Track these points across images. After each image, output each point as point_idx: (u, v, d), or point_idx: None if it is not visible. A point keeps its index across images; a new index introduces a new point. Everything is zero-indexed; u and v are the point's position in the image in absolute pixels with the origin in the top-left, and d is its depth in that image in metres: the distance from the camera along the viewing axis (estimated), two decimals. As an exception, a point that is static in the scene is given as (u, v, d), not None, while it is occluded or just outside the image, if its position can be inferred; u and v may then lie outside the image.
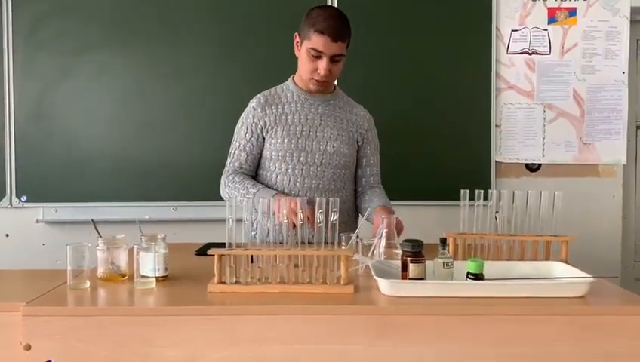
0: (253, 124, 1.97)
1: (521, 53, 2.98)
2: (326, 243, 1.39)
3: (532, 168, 3.02)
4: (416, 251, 1.38)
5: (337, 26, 1.83)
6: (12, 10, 2.85)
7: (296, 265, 1.40)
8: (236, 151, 2.00)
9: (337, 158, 1.98)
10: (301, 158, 1.95)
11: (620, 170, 3.04)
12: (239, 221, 1.38)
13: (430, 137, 2.94)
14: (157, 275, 1.44)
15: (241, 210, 1.40)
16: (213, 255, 1.36)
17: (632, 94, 3.04)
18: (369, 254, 1.54)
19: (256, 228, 1.85)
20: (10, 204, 2.89)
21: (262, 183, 1.97)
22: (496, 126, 2.98)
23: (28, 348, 1.24)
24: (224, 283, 1.37)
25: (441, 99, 2.96)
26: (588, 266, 1.46)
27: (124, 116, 2.91)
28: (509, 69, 2.98)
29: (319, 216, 1.41)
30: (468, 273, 1.37)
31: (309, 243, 1.44)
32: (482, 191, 1.63)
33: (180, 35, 2.90)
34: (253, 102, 1.99)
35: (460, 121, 2.96)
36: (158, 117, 2.91)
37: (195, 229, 2.80)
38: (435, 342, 1.25)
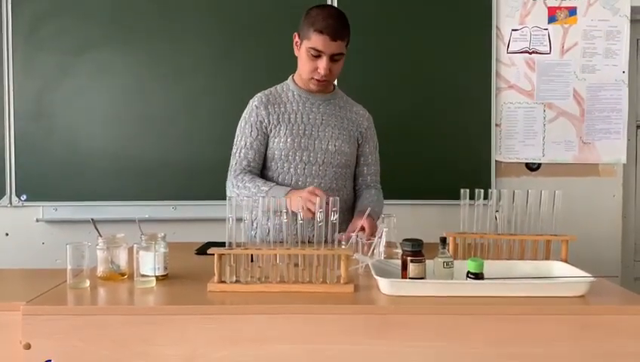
0: (258, 122, 1.96)
1: (521, 52, 2.98)
2: (326, 242, 1.39)
3: (532, 167, 3.02)
4: (417, 250, 1.38)
5: (336, 25, 1.83)
6: (12, 9, 2.85)
7: (296, 264, 1.40)
8: (242, 150, 1.97)
9: (339, 157, 1.98)
10: (303, 158, 1.95)
11: (620, 170, 3.04)
12: (239, 220, 1.38)
13: (430, 136, 2.94)
14: (157, 274, 1.44)
15: (241, 209, 1.40)
16: (213, 254, 1.36)
17: (632, 94, 3.04)
18: (369, 253, 1.54)
19: (257, 227, 1.86)
20: (10, 203, 2.89)
21: None
22: (497, 125, 2.98)
23: (28, 347, 1.24)
24: (224, 282, 1.37)
25: (441, 99, 2.95)
26: (588, 266, 1.46)
27: (124, 115, 2.91)
28: (509, 68, 2.98)
29: (319, 215, 1.41)
30: (468, 272, 1.37)
31: (309, 242, 1.44)
32: (482, 191, 1.63)
33: (180, 34, 2.90)
34: (254, 101, 1.99)
35: (460, 121, 2.95)
36: (158, 116, 2.91)
37: (194, 228, 2.80)
38: (435, 341, 1.25)
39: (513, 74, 2.98)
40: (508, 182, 2.98)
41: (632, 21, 2.97)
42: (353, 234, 1.66)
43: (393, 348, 1.25)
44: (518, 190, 1.66)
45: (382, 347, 1.24)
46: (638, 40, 3.13)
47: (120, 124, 2.91)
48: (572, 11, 2.97)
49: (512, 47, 2.98)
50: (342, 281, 1.37)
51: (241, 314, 1.26)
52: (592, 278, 1.34)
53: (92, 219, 1.60)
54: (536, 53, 2.98)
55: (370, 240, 1.59)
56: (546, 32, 2.97)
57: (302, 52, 1.90)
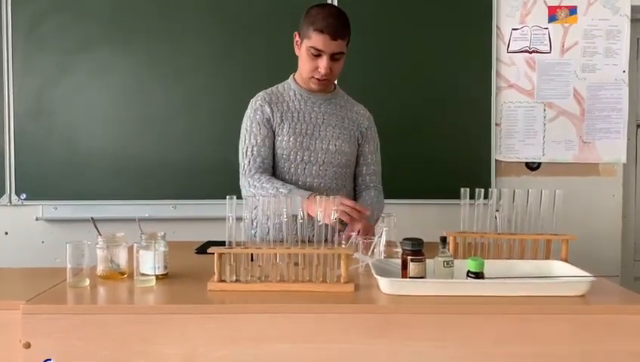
0: (265, 120, 1.94)
1: (522, 51, 2.98)
2: (326, 241, 1.39)
3: (532, 167, 3.02)
4: (417, 250, 1.38)
5: (336, 24, 1.82)
6: (12, 7, 2.85)
7: (296, 264, 1.39)
8: (254, 148, 1.93)
9: (339, 157, 1.97)
10: (304, 157, 1.94)
11: (620, 169, 3.04)
12: (239, 219, 1.38)
13: (430, 136, 2.94)
14: (157, 273, 1.44)
15: (240, 208, 1.40)
16: (213, 253, 1.36)
17: (633, 93, 3.04)
18: (369, 253, 1.54)
19: (256, 226, 1.85)
20: (10, 201, 2.89)
21: None
22: (497, 125, 2.98)
23: (28, 346, 1.24)
24: (224, 281, 1.37)
25: (441, 98, 2.95)
26: (588, 265, 1.46)
27: (124, 114, 2.90)
28: (510, 67, 2.98)
29: (319, 215, 1.41)
30: (468, 272, 1.37)
31: (309, 241, 1.44)
32: (482, 190, 1.63)
33: (180, 33, 2.90)
34: (258, 101, 1.97)
35: (460, 120, 2.95)
36: (158, 115, 2.90)
37: (194, 227, 2.80)
38: (435, 341, 1.25)
39: (513, 73, 2.98)
40: (508, 182, 2.98)
41: (633, 20, 2.97)
42: (353, 234, 1.66)
43: (393, 347, 1.24)
44: (518, 189, 1.66)
45: (382, 346, 1.24)
46: (638, 39, 3.13)
47: (120, 122, 2.90)
48: (572, 10, 2.97)
49: (513, 47, 2.98)
50: (342, 280, 1.37)
51: (241, 313, 1.26)
52: (592, 278, 1.34)
53: (92, 218, 1.60)
54: (537, 52, 2.98)
55: (369, 239, 1.59)
56: (546, 31, 2.97)
57: (302, 51, 1.90)
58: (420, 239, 1.39)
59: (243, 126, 1.99)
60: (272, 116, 1.94)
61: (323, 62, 1.86)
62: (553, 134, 2.99)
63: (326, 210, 1.41)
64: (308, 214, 1.64)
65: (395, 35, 2.93)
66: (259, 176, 1.90)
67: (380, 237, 1.59)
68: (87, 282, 1.41)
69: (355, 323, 1.25)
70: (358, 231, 1.71)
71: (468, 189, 1.62)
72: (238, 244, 1.37)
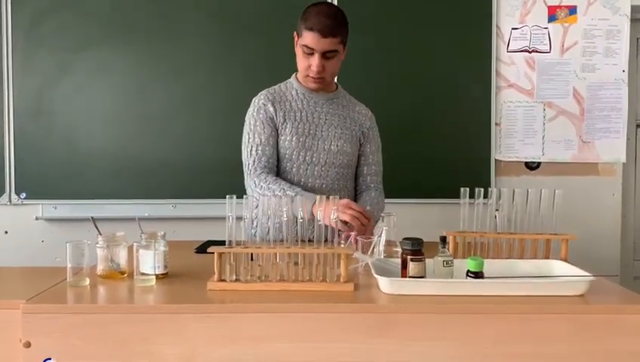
0: (268, 119, 1.93)
1: (521, 51, 2.98)
2: (326, 241, 1.39)
3: (532, 166, 3.02)
4: (416, 249, 1.38)
5: (328, 22, 1.81)
6: (11, 6, 2.85)
7: (296, 263, 1.39)
8: (259, 147, 1.92)
9: (341, 157, 1.97)
10: (306, 158, 1.94)
11: (619, 169, 3.04)
12: (239, 218, 1.38)
13: (430, 135, 2.94)
14: (157, 273, 1.44)
15: (240, 207, 1.40)
16: (213, 252, 1.36)
17: (632, 93, 3.04)
18: (369, 252, 1.54)
19: (256, 225, 1.85)
20: (10, 201, 2.89)
21: None
22: (496, 124, 2.98)
23: (28, 345, 1.24)
24: (224, 280, 1.37)
25: (440, 98, 2.95)
26: (587, 265, 1.46)
27: (124, 113, 2.90)
28: (509, 67, 2.98)
29: (319, 214, 1.41)
30: (468, 271, 1.37)
31: (309, 241, 1.44)
32: (482, 190, 1.63)
33: (180, 32, 2.90)
34: (261, 99, 1.97)
35: (460, 120, 2.96)
36: (158, 114, 2.90)
37: (194, 227, 2.80)
38: (434, 340, 1.25)
39: (513, 73, 2.98)
40: (507, 181, 2.98)
41: (632, 20, 2.97)
42: (352, 233, 1.66)
43: (393, 346, 1.25)
44: (518, 189, 1.66)
45: (381, 345, 1.24)
46: (638, 39, 3.13)
47: (120, 122, 2.90)
48: (572, 10, 2.97)
49: (512, 46, 2.98)
50: (342, 280, 1.37)
51: (241, 312, 1.26)
52: (591, 277, 1.34)
53: (92, 218, 1.60)
54: (536, 52, 2.98)
55: (369, 239, 1.59)
56: (546, 30, 2.97)
57: (298, 50, 1.90)
58: (420, 239, 1.39)
59: (246, 125, 1.98)
60: (276, 115, 1.94)
61: (315, 61, 1.86)
62: (553, 134, 2.99)
63: (326, 211, 1.41)
64: (312, 216, 1.64)
65: (394, 35, 2.93)
66: (265, 176, 1.89)
67: (380, 236, 1.59)
68: (87, 281, 1.41)
69: (355, 322, 1.25)
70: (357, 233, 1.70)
71: (468, 189, 1.62)
72: (238, 244, 1.37)
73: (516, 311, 1.26)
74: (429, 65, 2.95)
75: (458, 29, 2.95)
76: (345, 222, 1.66)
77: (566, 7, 2.97)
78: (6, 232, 2.95)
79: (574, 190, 2.93)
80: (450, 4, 2.94)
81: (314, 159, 1.94)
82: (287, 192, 1.80)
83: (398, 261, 1.42)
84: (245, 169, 1.95)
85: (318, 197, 1.48)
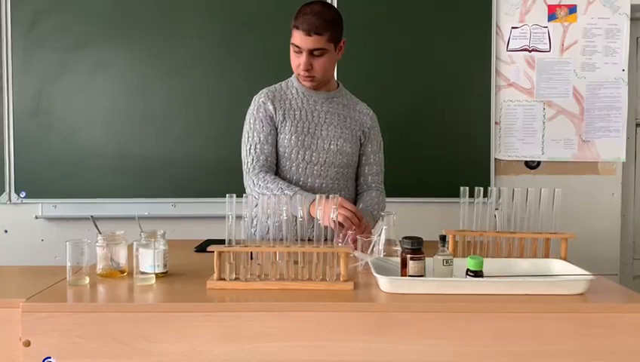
0: (267, 117, 1.93)
1: (521, 50, 2.98)
2: (326, 240, 1.39)
3: (531, 166, 3.02)
4: (416, 248, 1.38)
5: (313, 20, 1.81)
6: (11, 5, 2.85)
7: (295, 262, 1.39)
8: (258, 146, 1.92)
9: (340, 157, 1.96)
10: (306, 157, 1.93)
11: (619, 168, 3.04)
12: (239, 217, 1.38)
13: (430, 134, 2.94)
14: (156, 272, 1.44)
15: (240, 206, 1.40)
16: (213, 251, 1.36)
17: (632, 92, 3.04)
18: (368, 251, 1.54)
19: (256, 224, 1.85)
20: (9, 199, 2.89)
21: None
22: (496, 123, 2.98)
23: (27, 344, 1.24)
24: (224, 279, 1.37)
25: (440, 97, 2.95)
26: (587, 264, 1.46)
27: (124, 112, 2.91)
28: (509, 66, 2.98)
29: (318, 213, 1.41)
30: (467, 270, 1.37)
31: (308, 240, 1.44)
32: (482, 189, 1.63)
33: (180, 31, 2.90)
34: (260, 98, 1.97)
35: (460, 119, 2.96)
36: (158, 113, 2.90)
37: (194, 226, 2.80)
38: (434, 339, 1.25)
39: (513, 72, 2.98)
40: (507, 181, 2.98)
41: (632, 19, 2.97)
42: (350, 232, 1.66)
43: (392, 345, 1.25)
44: (517, 188, 1.66)
45: (381, 344, 1.24)
46: (637, 38, 3.12)
47: (120, 121, 2.91)
48: (572, 9, 2.97)
49: (512, 45, 2.98)
50: (341, 279, 1.37)
51: (241, 311, 1.26)
52: (591, 276, 1.34)
53: (92, 217, 1.60)
54: (536, 51, 2.98)
55: (369, 238, 1.59)
56: (545, 29, 2.97)
57: (290, 48, 1.90)
58: (420, 237, 1.39)
59: (246, 123, 1.98)
60: (275, 113, 1.93)
61: (302, 59, 1.86)
62: (552, 133, 2.99)
63: (325, 211, 1.41)
64: (310, 216, 1.64)
65: (394, 34, 2.93)
66: (263, 175, 1.89)
67: (380, 235, 1.59)
68: (87, 280, 1.41)
69: (355, 321, 1.25)
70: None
71: (467, 188, 1.62)
72: (237, 243, 1.37)
73: (516, 309, 1.26)
74: (428, 64, 2.95)
75: (458, 28, 2.95)
76: (341, 224, 1.66)
77: (566, 6, 2.97)
78: (6, 231, 2.95)
79: (574, 189, 2.93)
80: (450, 3, 2.94)
81: (313, 158, 1.94)
82: (286, 192, 1.80)
83: (398, 260, 1.42)
84: (244, 167, 1.95)
85: (317, 196, 1.48)
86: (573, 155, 3.00)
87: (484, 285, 1.33)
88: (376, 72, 2.92)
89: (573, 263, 1.47)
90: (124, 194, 2.90)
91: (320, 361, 1.25)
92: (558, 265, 1.49)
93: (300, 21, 1.82)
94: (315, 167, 1.94)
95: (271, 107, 1.93)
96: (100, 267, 1.48)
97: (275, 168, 1.95)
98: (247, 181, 1.92)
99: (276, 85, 2.02)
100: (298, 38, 1.83)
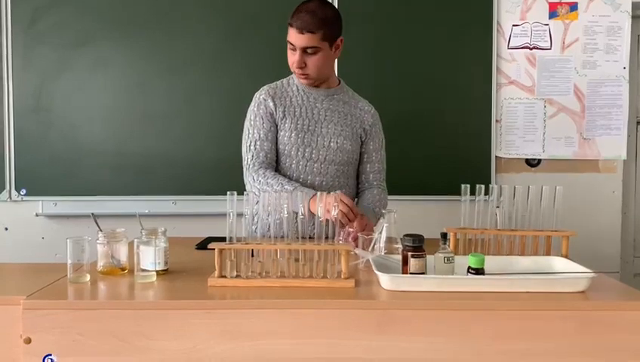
0: (268, 114, 1.93)
1: (522, 48, 2.98)
2: (327, 237, 1.39)
3: (532, 163, 3.01)
4: (417, 246, 1.38)
5: (307, 18, 1.81)
6: (11, 1, 2.84)
7: (296, 260, 1.39)
8: (258, 142, 1.92)
9: (340, 155, 1.96)
10: (305, 154, 1.93)
11: (620, 166, 3.04)
12: (240, 215, 1.38)
13: (430, 132, 2.94)
14: (157, 269, 1.44)
15: (241, 204, 1.40)
16: (214, 249, 1.36)
17: (633, 90, 3.03)
18: (370, 249, 1.54)
19: (257, 222, 1.85)
20: (10, 197, 2.89)
21: None
22: (497, 121, 2.98)
23: (28, 341, 1.24)
24: (225, 277, 1.37)
25: (441, 95, 2.95)
26: (588, 261, 1.46)
27: (125, 109, 2.90)
28: (510, 64, 2.98)
29: (320, 211, 1.41)
30: (469, 268, 1.37)
31: (309, 237, 1.44)
32: (483, 186, 1.63)
33: (181, 28, 2.89)
34: (262, 94, 1.96)
35: (461, 116, 2.95)
36: (158, 110, 2.90)
37: (194, 223, 2.80)
38: (435, 337, 1.25)
39: (514, 70, 2.98)
40: (508, 178, 2.97)
41: (633, 17, 2.97)
42: (351, 230, 1.66)
43: (393, 342, 1.25)
44: (518, 186, 1.66)
45: (382, 342, 1.24)
46: (639, 36, 3.12)
47: (120, 118, 2.90)
48: (573, 7, 2.96)
49: (513, 43, 2.97)
50: (342, 276, 1.37)
51: (242, 308, 1.26)
52: (592, 274, 1.34)
53: (92, 214, 1.60)
54: (537, 48, 2.97)
55: (370, 235, 1.59)
56: (546, 27, 2.97)
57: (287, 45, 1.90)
58: (421, 235, 1.39)
59: (246, 119, 1.98)
60: (275, 110, 1.93)
61: (295, 56, 1.86)
62: (553, 131, 2.98)
63: (326, 206, 1.41)
64: (310, 212, 1.64)
65: (395, 32, 2.93)
66: (263, 171, 1.88)
67: (381, 233, 1.59)
68: (88, 278, 1.41)
69: (356, 318, 1.25)
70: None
71: (469, 186, 1.62)
72: (238, 240, 1.37)
73: (517, 307, 1.26)
74: (429, 62, 2.94)
75: (459, 25, 2.94)
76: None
77: (567, 3, 2.96)
78: (6, 229, 2.94)
79: (575, 187, 2.92)
80: (451, 1, 2.93)
81: (313, 156, 1.93)
82: (286, 187, 1.80)
83: (399, 257, 1.42)
84: (244, 163, 1.95)
85: (319, 193, 1.48)
86: (574, 153, 3.00)
87: (485, 283, 1.33)
88: (376, 69, 2.92)
89: (574, 261, 1.47)
90: (125, 191, 2.90)
91: (321, 359, 1.25)
92: (559, 263, 1.49)
93: (294, 19, 1.83)
94: (315, 165, 1.94)
95: (271, 104, 1.93)
96: (100, 264, 1.48)
97: (275, 165, 1.95)
98: (247, 177, 1.92)
99: (277, 82, 2.01)
100: (292, 35, 1.84)
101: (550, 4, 2.96)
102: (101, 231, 1.49)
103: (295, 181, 1.90)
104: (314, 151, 1.93)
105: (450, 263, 1.39)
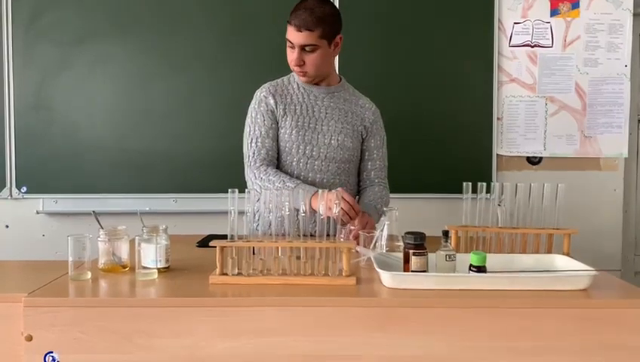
0: (269, 111, 1.93)
1: (524, 45, 2.97)
2: (328, 235, 1.39)
3: (533, 161, 3.01)
4: (419, 243, 1.38)
5: (304, 16, 1.81)
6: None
7: (298, 257, 1.39)
8: (259, 139, 1.92)
9: (341, 152, 1.96)
10: (306, 152, 1.93)
11: (621, 164, 3.03)
12: (241, 213, 1.38)
13: (432, 130, 2.94)
14: (158, 267, 1.44)
15: (242, 201, 1.39)
16: (215, 246, 1.36)
17: (634, 87, 3.03)
18: (371, 246, 1.54)
19: (258, 219, 1.85)
20: (11, 195, 2.89)
21: None
22: (498, 119, 2.98)
23: (29, 338, 1.24)
24: (226, 274, 1.37)
25: (442, 92, 2.95)
26: (589, 259, 1.46)
27: (125, 107, 2.90)
28: (511, 61, 2.97)
29: (321, 208, 1.41)
30: (470, 266, 1.37)
31: (311, 235, 1.43)
32: (484, 184, 1.63)
33: (181, 25, 2.89)
34: (262, 92, 1.96)
35: (462, 114, 2.95)
36: (159, 108, 2.90)
37: (195, 221, 2.80)
38: (436, 335, 1.25)
39: (515, 67, 2.97)
40: (509, 176, 2.97)
41: (635, 15, 2.96)
42: (352, 228, 1.66)
43: (395, 340, 1.24)
44: (520, 183, 1.65)
45: (383, 339, 1.24)
46: (640, 33, 3.12)
47: (121, 115, 2.90)
48: (575, 4, 2.95)
49: (514, 41, 2.97)
50: (344, 274, 1.37)
51: (243, 306, 1.26)
52: (594, 272, 1.34)
53: (94, 212, 1.60)
54: (539, 46, 2.97)
55: (371, 233, 1.58)
56: (548, 25, 2.96)
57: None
58: (422, 233, 1.39)
59: (248, 117, 1.98)
60: (276, 108, 1.93)
61: (294, 54, 1.86)
62: (554, 129, 2.98)
63: (327, 204, 1.41)
64: (311, 209, 1.64)
65: (396, 29, 2.92)
66: (265, 168, 1.89)
67: (382, 230, 1.59)
68: (89, 275, 1.41)
69: (357, 316, 1.25)
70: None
71: (470, 183, 1.62)
72: (240, 238, 1.37)
73: (518, 305, 1.26)
74: (430, 59, 2.94)
75: (460, 23, 2.94)
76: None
77: (568, 1, 2.95)
78: (7, 226, 2.94)
79: (576, 185, 2.92)
80: (452, -1, 2.93)
81: (314, 153, 1.93)
82: (287, 184, 1.80)
83: (401, 255, 1.42)
84: (245, 160, 1.95)
85: (320, 191, 1.47)
86: (575, 151, 3.00)
87: (487, 280, 1.33)
88: (377, 68, 2.91)
89: (575, 259, 1.47)
90: (125, 189, 2.90)
91: (322, 356, 1.25)
92: (560, 261, 1.49)
93: (292, 16, 1.83)
94: (316, 162, 1.94)
95: (272, 101, 1.93)
96: (101, 262, 1.48)
97: (277, 162, 1.95)
98: (249, 174, 1.92)
99: (278, 80, 2.01)
100: (290, 33, 1.84)
101: (552, 1, 2.95)
102: (102, 228, 1.49)
103: (296, 178, 1.89)
104: (315, 149, 1.93)
105: (452, 261, 1.39)
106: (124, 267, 1.48)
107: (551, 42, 2.97)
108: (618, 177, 3.03)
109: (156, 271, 1.42)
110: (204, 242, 1.90)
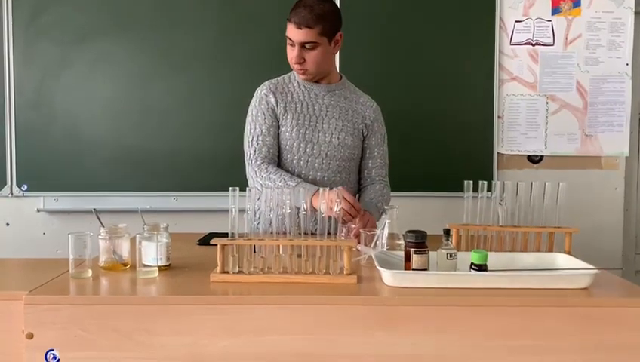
0: (270, 109, 1.93)
1: (525, 44, 2.97)
2: (329, 233, 1.39)
3: (534, 160, 3.01)
4: (420, 242, 1.37)
5: (304, 13, 1.81)
6: (12, -3, 2.84)
7: (299, 255, 1.39)
8: (260, 137, 1.92)
9: (342, 150, 1.96)
10: (307, 150, 1.93)
11: (622, 162, 3.03)
12: (242, 211, 1.38)
13: (433, 129, 2.94)
14: (159, 264, 1.43)
15: (243, 199, 1.39)
16: (216, 244, 1.36)
17: (636, 86, 3.03)
18: (372, 245, 1.54)
19: (259, 218, 1.85)
20: (11, 193, 2.89)
21: None
22: (499, 117, 2.97)
23: (30, 336, 1.24)
24: (227, 272, 1.37)
25: (443, 91, 2.94)
26: (590, 258, 1.46)
27: (126, 105, 2.90)
28: (512, 60, 2.97)
29: (322, 207, 1.41)
30: (472, 264, 1.37)
31: (312, 233, 1.43)
32: (486, 183, 1.62)
33: (182, 23, 2.89)
34: (263, 90, 1.96)
35: (463, 113, 2.95)
36: (159, 106, 2.90)
37: (195, 219, 2.80)
38: (437, 333, 1.25)
39: (516, 66, 2.97)
40: (510, 175, 2.97)
41: (637, 13, 2.96)
42: (353, 226, 1.66)
43: (395, 339, 1.24)
44: (521, 182, 1.65)
45: (384, 338, 1.24)
46: (642, 32, 3.11)
47: (121, 114, 2.90)
48: (576, 3, 2.95)
49: (516, 39, 2.97)
50: (345, 272, 1.36)
51: (244, 304, 1.26)
52: (595, 270, 1.33)
53: (94, 210, 1.59)
54: (540, 45, 2.97)
55: (372, 232, 1.58)
56: (549, 23, 2.96)
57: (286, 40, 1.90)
58: (424, 231, 1.39)
59: (248, 115, 1.98)
60: (277, 106, 1.93)
61: (293, 52, 1.86)
62: (555, 127, 2.98)
63: (328, 203, 1.41)
64: (312, 208, 1.64)
65: (397, 28, 2.92)
66: (266, 166, 1.89)
67: (383, 229, 1.59)
68: (90, 273, 1.41)
69: (358, 314, 1.25)
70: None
71: (471, 182, 1.62)
72: (240, 236, 1.37)
73: (519, 303, 1.25)
74: (432, 58, 2.94)
75: (461, 21, 2.93)
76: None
77: (570, -1, 2.96)
78: (7, 224, 2.95)
79: (577, 183, 2.92)
80: (454, -3, 2.93)
81: (314, 151, 1.93)
82: (288, 182, 1.80)
83: (402, 253, 1.42)
84: (246, 159, 1.95)
85: (321, 189, 1.47)
86: (576, 150, 2.99)
87: (488, 279, 1.33)
88: (378, 65, 2.91)
89: (576, 257, 1.47)
90: (126, 187, 2.90)
91: (322, 354, 1.25)
92: (562, 260, 1.48)
93: (292, 14, 1.83)
94: (317, 160, 1.93)
95: (272, 99, 1.93)
96: (102, 260, 1.48)
97: (277, 160, 1.95)
98: (250, 172, 1.92)
99: (278, 78, 2.01)
100: (290, 31, 1.84)
101: (553, 0, 2.95)
102: (103, 226, 1.49)
103: (297, 177, 1.89)
104: (315, 147, 1.93)
105: (453, 259, 1.39)
106: (125, 265, 1.48)
107: (552, 40, 2.97)
108: (619, 176, 3.03)
109: (157, 269, 1.42)
110: (205, 240, 1.90)
